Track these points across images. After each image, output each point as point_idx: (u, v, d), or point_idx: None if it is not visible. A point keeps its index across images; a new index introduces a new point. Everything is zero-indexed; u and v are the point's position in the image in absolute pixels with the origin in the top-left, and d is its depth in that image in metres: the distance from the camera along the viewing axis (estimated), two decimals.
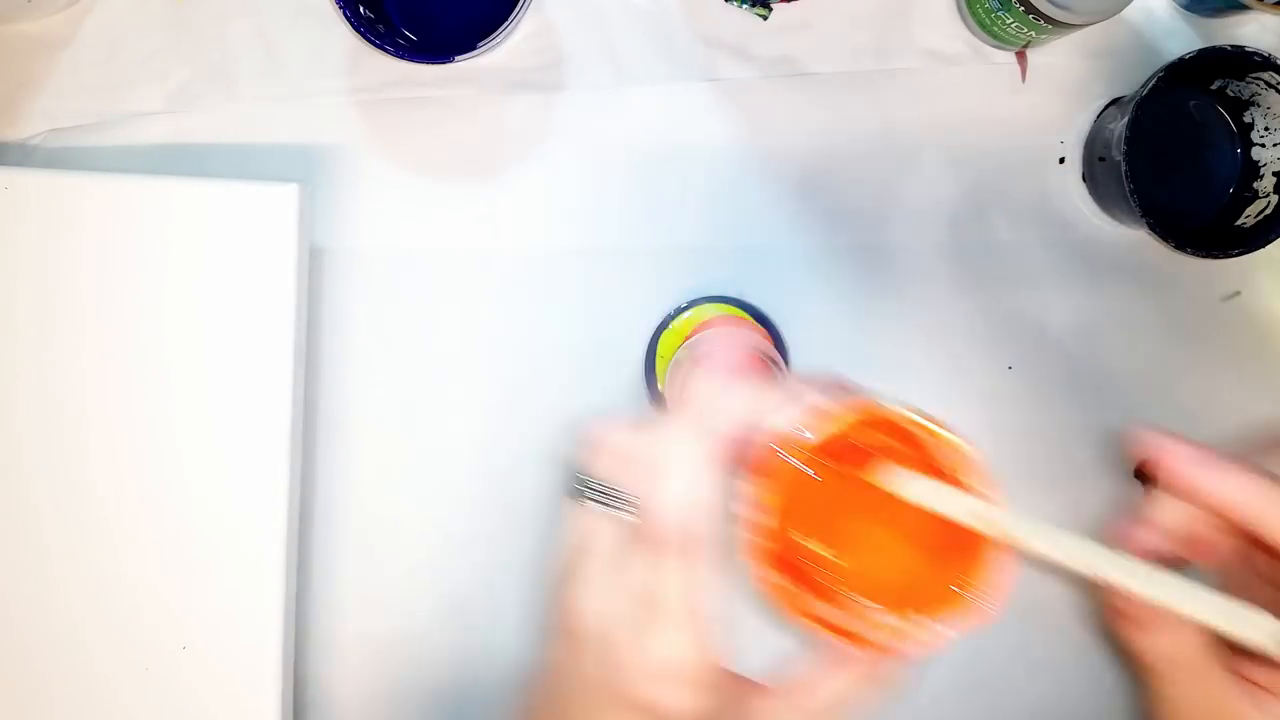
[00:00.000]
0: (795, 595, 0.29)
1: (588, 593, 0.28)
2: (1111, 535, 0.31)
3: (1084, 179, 0.49)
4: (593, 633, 0.28)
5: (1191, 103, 0.47)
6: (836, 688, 0.29)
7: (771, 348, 0.44)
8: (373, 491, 0.50)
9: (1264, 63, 0.43)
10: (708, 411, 0.28)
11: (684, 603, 0.28)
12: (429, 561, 0.50)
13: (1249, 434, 0.43)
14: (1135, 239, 0.49)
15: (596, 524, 0.29)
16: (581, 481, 0.29)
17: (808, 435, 0.28)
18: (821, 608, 0.29)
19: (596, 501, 0.28)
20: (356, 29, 0.45)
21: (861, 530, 0.29)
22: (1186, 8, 0.49)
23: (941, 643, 0.28)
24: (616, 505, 0.28)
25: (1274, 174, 0.45)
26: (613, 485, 0.28)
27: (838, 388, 0.29)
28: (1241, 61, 0.43)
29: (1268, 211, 0.44)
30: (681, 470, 0.27)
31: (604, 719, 0.28)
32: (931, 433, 0.29)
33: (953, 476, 0.29)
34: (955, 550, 0.28)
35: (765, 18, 0.49)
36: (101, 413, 0.47)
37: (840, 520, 0.29)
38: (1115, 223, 0.49)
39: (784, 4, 0.49)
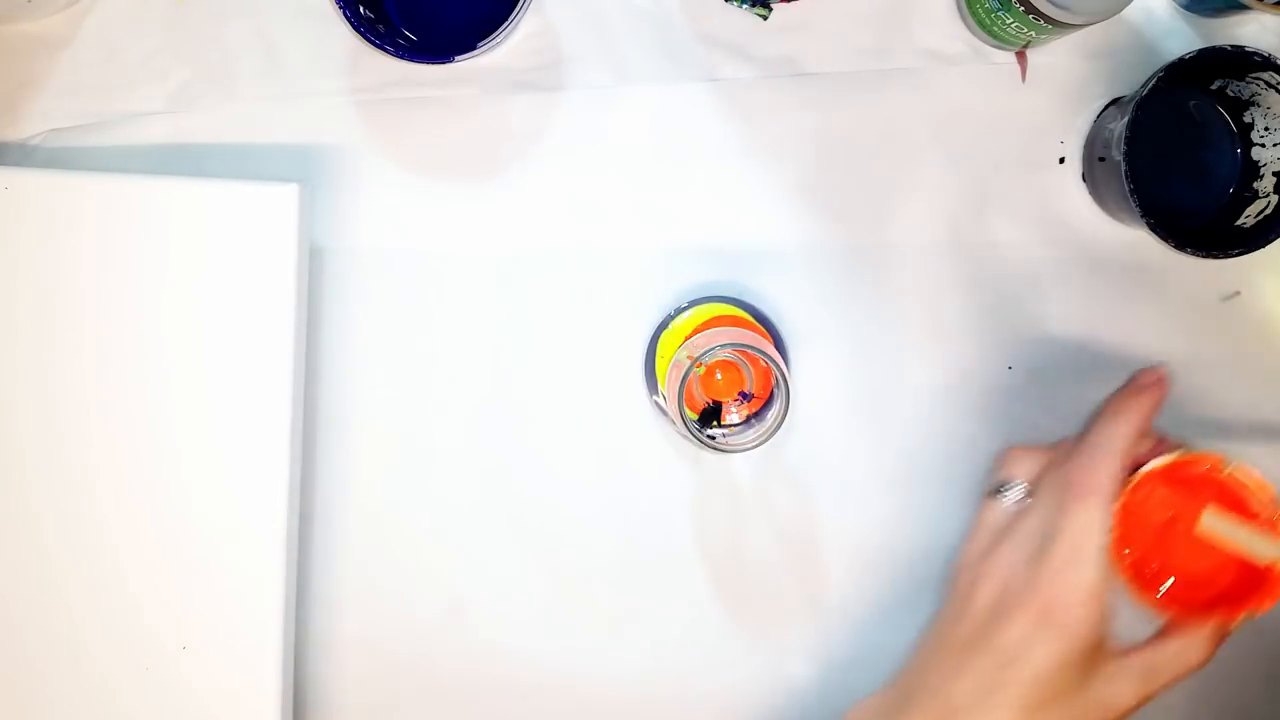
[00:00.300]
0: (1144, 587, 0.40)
1: (1007, 557, 0.40)
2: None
3: (1084, 179, 0.49)
4: (1010, 585, 0.39)
5: (1191, 103, 0.47)
6: (1166, 652, 0.39)
7: (771, 348, 0.44)
8: (373, 491, 0.50)
9: (1264, 63, 0.43)
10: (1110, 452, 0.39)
11: (1095, 544, 0.38)
12: (429, 561, 0.50)
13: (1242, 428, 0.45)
14: (1135, 239, 0.49)
15: (1006, 514, 0.41)
16: (999, 484, 0.42)
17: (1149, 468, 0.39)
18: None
19: (1010, 497, 0.42)
20: (356, 29, 0.45)
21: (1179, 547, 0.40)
22: (1186, 8, 0.49)
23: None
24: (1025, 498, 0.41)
25: (1274, 174, 0.45)
26: (1026, 484, 0.41)
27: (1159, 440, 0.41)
28: (1241, 61, 0.43)
29: (1268, 212, 0.44)
30: (1106, 456, 0.39)
31: (1013, 630, 0.38)
32: (1239, 479, 0.39)
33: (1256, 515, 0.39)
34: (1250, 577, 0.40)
35: (765, 18, 0.49)
36: (101, 413, 0.47)
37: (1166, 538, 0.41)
38: (1115, 222, 0.49)
39: (784, 4, 0.49)
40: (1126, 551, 0.40)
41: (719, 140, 0.50)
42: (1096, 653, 0.38)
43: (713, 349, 0.41)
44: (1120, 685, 0.39)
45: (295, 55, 0.51)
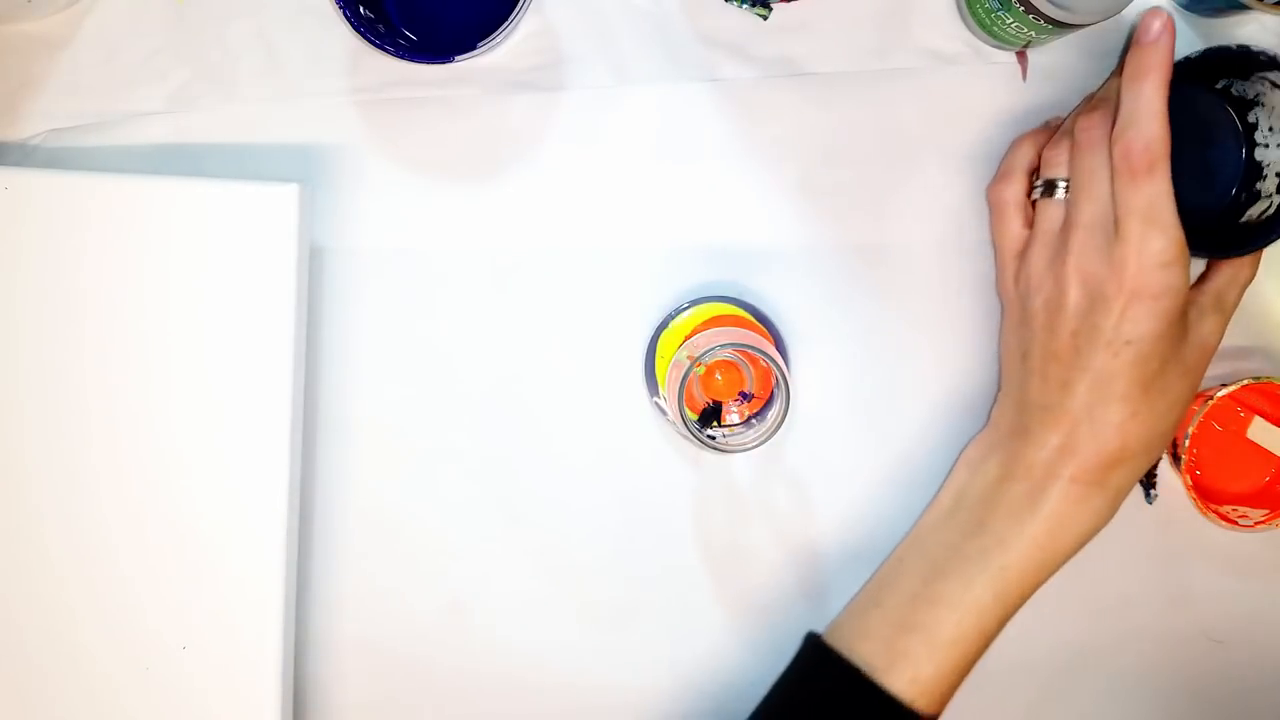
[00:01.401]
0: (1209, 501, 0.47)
1: (1082, 251, 0.41)
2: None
3: None
4: (1095, 277, 0.40)
5: (1197, 102, 0.47)
6: (1223, 277, 0.44)
7: (772, 348, 0.44)
8: (373, 491, 0.50)
9: (1269, 62, 0.43)
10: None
11: (1168, 210, 0.39)
12: (429, 561, 0.50)
13: None
14: None
15: (1061, 212, 0.42)
16: (1050, 181, 0.43)
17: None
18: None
19: (1062, 193, 0.42)
20: (356, 29, 0.45)
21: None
22: (1186, 8, 0.49)
23: None
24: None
25: (1277, 174, 0.45)
26: (1074, 175, 0.42)
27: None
28: (1246, 61, 0.43)
29: (1270, 212, 0.44)
30: (1151, 121, 0.39)
31: (1110, 318, 0.40)
32: None
33: None
34: None
35: (765, 18, 0.49)
36: (101, 413, 0.47)
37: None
38: None
39: (784, 4, 0.49)
40: (1198, 473, 0.48)
41: (719, 140, 0.50)
42: (1184, 306, 0.40)
43: (713, 349, 0.41)
44: (1206, 323, 0.42)
45: (295, 55, 0.51)
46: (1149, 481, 0.49)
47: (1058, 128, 0.45)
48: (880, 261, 0.50)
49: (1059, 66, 0.49)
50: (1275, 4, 0.44)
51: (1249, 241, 0.44)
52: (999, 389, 0.46)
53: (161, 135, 0.51)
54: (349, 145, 0.50)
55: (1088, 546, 0.48)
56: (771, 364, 0.42)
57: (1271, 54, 0.42)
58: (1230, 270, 0.44)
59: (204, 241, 0.47)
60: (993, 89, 0.49)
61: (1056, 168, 0.43)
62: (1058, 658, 0.49)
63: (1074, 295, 0.41)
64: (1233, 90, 0.46)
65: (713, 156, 0.50)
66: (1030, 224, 0.45)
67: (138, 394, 0.47)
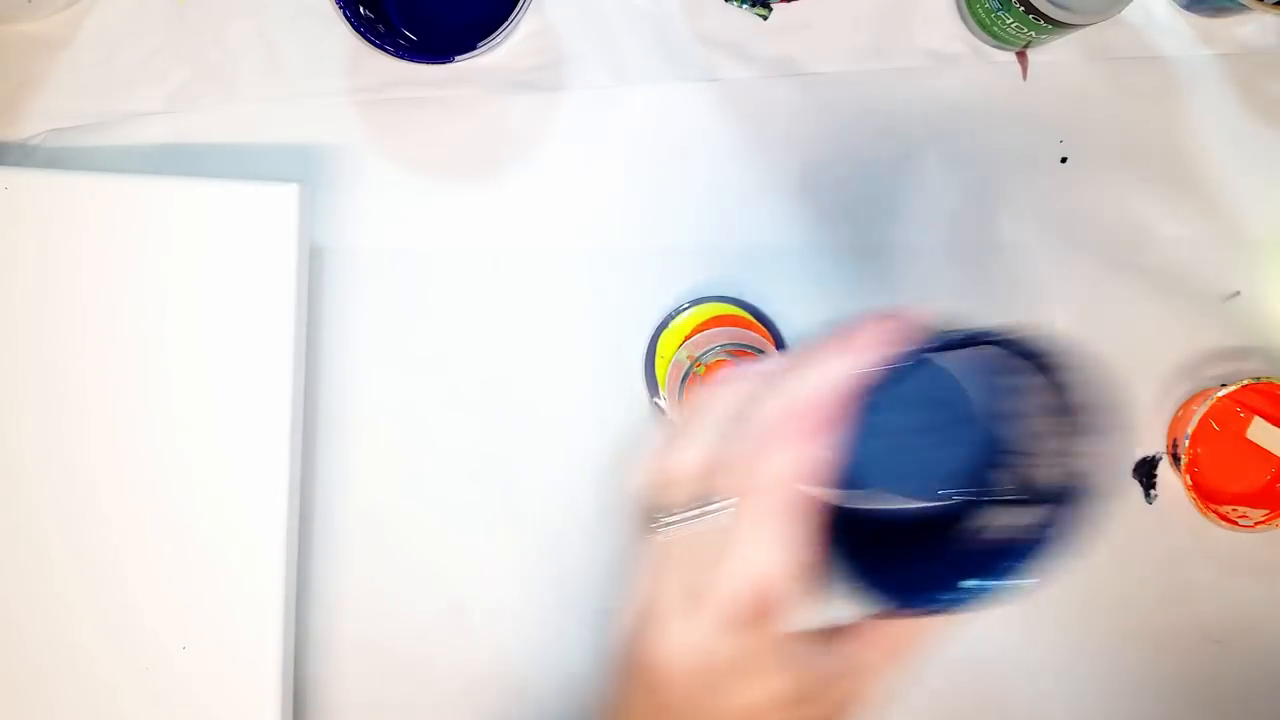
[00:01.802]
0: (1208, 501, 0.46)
1: (681, 631, 0.27)
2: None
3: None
4: (691, 670, 0.27)
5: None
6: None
7: (772, 348, 0.44)
8: (373, 491, 0.50)
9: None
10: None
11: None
12: (429, 561, 0.50)
13: None
14: (1134, 238, 0.49)
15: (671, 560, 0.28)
16: (657, 514, 0.28)
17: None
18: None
19: (679, 523, 0.28)
20: (356, 29, 0.45)
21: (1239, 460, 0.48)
22: (1186, 8, 0.49)
23: None
24: (701, 515, 0.27)
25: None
26: (696, 502, 0.27)
27: None
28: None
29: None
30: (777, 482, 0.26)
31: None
32: None
33: None
34: None
35: (765, 18, 0.49)
36: (102, 413, 0.47)
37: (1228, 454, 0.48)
38: (1115, 222, 0.49)
39: (784, 4, 0.49)
40: (1198, 471, 0.47)
41: (719, 140, 0.50)
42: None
43: (713, 349, 0.41)
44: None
45: (295, 55, 0.51)
46: (1149, 481, 0.49)
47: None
48: (880, 261, 0.49)
49: (1059, 66, 0.49)
50: (1275, 4, 0.44)
51: (963, 578, 0.29)
52: None
53: (161, 135, 0.51)
54: (349, 145, 0.50)
55: (1088, 545, 0.48)
56: None
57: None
58: (914, 623, 0.29)
59: (204, 241, 0.47)
60: (993, 89, 0.49)
61: (678, 486, 0.29)
62: (1058, 658, 0.49)
63: (640, 696, 0.29)
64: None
65: (713, 156, 0.50)
66: None
67: (138, 394, 0.47)
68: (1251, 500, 0.48)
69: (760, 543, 0.26)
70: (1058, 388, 0.29)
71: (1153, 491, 0.49)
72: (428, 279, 0.50)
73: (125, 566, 0.47)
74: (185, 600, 0.47)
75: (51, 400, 0.47)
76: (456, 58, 0.45)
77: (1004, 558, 0.29)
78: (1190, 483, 0.45)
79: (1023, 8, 0.43)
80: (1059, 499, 0.29)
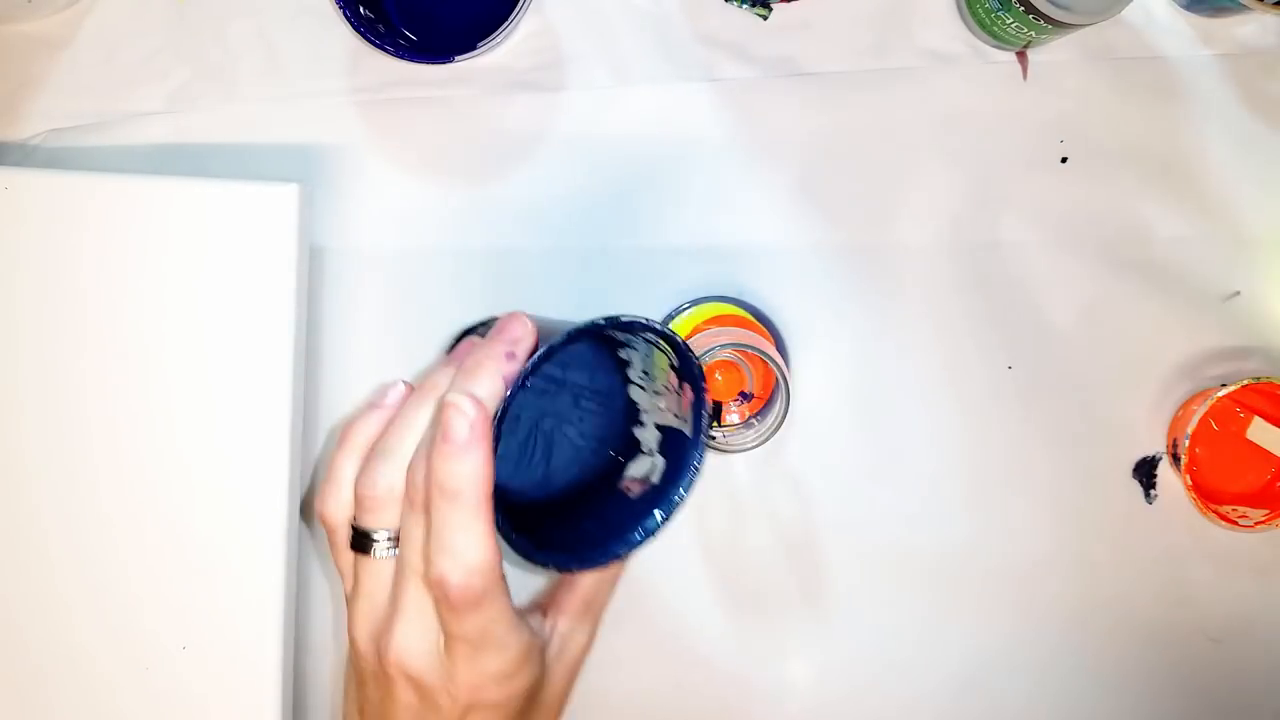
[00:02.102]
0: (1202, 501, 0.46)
1: (406, 648, 0.31)
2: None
3: None
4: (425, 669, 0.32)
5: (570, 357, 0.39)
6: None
7: (772, 348, 0.44)
8: None
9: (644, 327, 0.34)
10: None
11: (503, 627, 0.32)
12: None
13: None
14: (1134, 238, 0.49)
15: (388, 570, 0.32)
16: (363, 534, 0.32)
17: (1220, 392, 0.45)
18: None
19: (387, 547, 0.32)
20: (356, 29, 0.45)
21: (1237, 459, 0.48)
22: (1186, 8, 0.49)
23: None
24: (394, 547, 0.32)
25: (656, 425, 0.38)
26: (381, 529, 0.32)
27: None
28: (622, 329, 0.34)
29: (654, 478, 0.37)
30: (473, 549, 0.30)
31: None
32: None
33: None
34: None
35: (765, 18, 0.49)
36: (102, 413, 0.47)
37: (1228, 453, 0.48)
38: (1115, 221, 0.49)
39: (784, 4, 0.49)
40: (1197, 470, 0.47)
41: (719, 140, 0.50)
42: (538, 660, 0.34)
43: (713, 349, 0.41)
44: (577, 638, 0.36)
45: (295, 55, 0.51)
46: (1149, 481, 0.49)
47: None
48: (880, 261, 0.49)
49: (1059, 66, 0.49)
50: (1275, 4, 0.44)
51: (627, 529, 0.35)
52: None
53: (161, 135, 0.51)
54: (349, 145, 0.50)
55: (1088, 546, 0.49)
56: (771, 364, 0.42)
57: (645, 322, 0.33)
58: (599, 573, 0.36)
59: (204, 241, 0.47)
60: (993, 89, 0.49)
61: (374, 512, 0.32)
62: (1057, 657, 0.49)
63: (403, 694, 0.32)
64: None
65: (713, 156, 0.50)
66: None
67: (138, 394, 0.47)
68: (1251, 500, 0.48)
69: (471, 537, 0.29)
70: (666, 353, 0.35)
71: (1153, 491, 0.49)
72: (428, 279, 0.50)
73: (125, 567, 0.47)
74: (185, 600, 0.47)
75: (51, 400, 0.47)
76: (456, 58, 0.45)
77: (645, 502, 0.35)
78: (1190, 483, 0.46)
79: (1023, 8, 0.43)
80: (670, 446, 0.36)
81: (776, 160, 0.50)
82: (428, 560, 0.30)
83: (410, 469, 0.31)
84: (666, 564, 0.50)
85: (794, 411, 0.44)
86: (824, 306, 0.50)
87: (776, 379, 0.42)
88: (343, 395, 0.50)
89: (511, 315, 0.33)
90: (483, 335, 0.35)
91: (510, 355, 0.31)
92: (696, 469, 0.35)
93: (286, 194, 0.47)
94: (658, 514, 0.35)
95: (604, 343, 0.38)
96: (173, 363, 0.47)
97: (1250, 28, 0.49)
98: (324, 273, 0.50)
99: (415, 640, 0.31)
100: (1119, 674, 0.49)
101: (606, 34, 0.50)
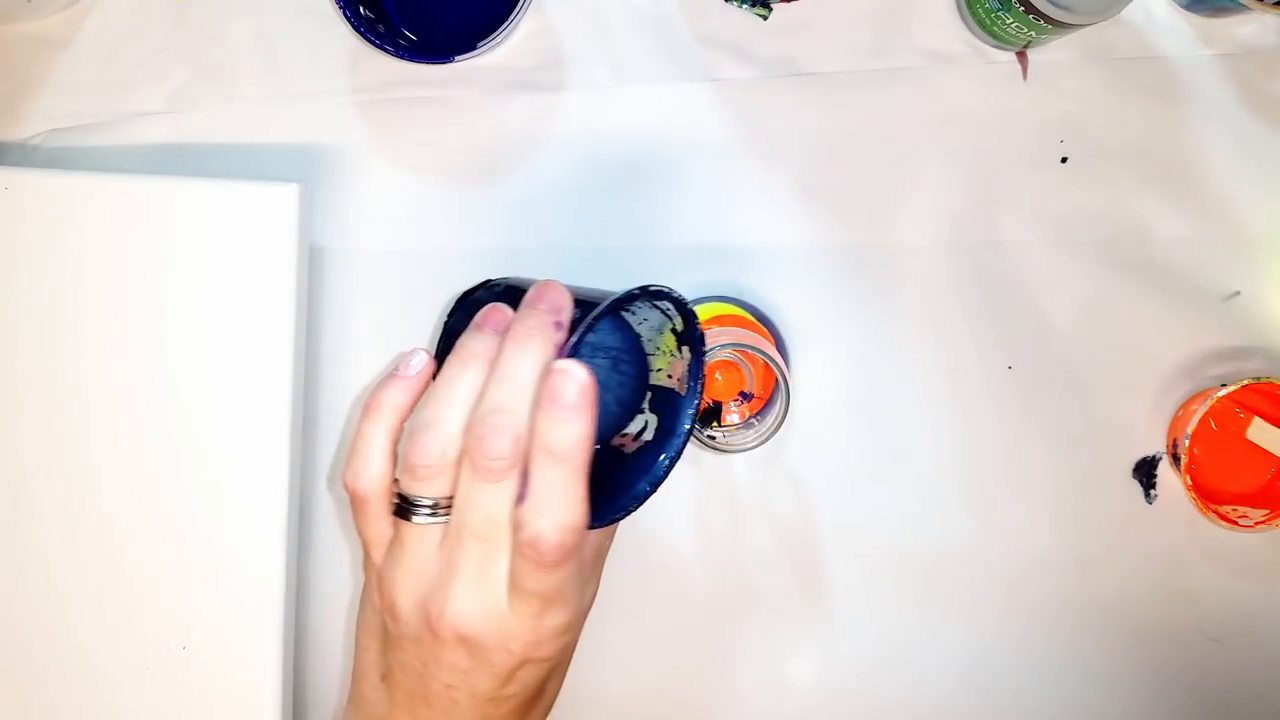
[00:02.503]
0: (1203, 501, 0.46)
1: (465, 609, 0.32)
2: None
3: None
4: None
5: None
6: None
7: (772, 348, 0.44)
8: None
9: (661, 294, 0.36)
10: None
11: (572, 585, 0.33)
12: None
13: None
14: (1134, 238, 0.49)
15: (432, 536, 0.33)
16: (411, 501, 0.33)
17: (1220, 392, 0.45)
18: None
19: (429, 514, 0.32)
20: (356, 29, 0.45)
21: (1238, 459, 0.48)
22: (1186, 8, 0.49)
23: None
24: (438, 513, 0.32)
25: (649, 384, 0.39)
26: (431, 497, 0.32)
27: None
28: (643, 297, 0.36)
29: (646, 435, 0.38)
30: (571, 509, 0.31)
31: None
32: None
33: None
34: None
35: (765, 18, 0.49)
36: (102, 413, 0.47)
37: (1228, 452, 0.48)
38: (1116, 220, 0.49)
39: (784, 4, 0.49)
40: (1197, 469, 0.47)
41: (719, 140, 0.50)
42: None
43: (713, 349, 0.41)
44: (590, 588, 0.37)
45: (295, 55, 0.51)
46: (1149, 481, 0.49)
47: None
48: (880, 261, 0.49)
49: (1059, 66, 0.49)
50: (1275, 4, 0.44)
51: (634, 483, 0.37)
52: (352, 683, 0.38)
53: (161, 135, 0.51)
54: (349, 145, 0.50)
55: (1088, 546, 0.49)
56: (771, 364, 0.42)
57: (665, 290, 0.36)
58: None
59: (204, 241, 0.47)
60: (993, 89, 0.49)
61: (426, 480, 0.32)
62: (1057, 657, 0.49)
63: (451, 654, 0.33)
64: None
65: (713, 156, 0.50)
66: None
67: (138, 394, 0.47)
68: (1251, 500, 0.48)
69: (571, 497, 0.30)
70: (673, 320, 0.37)
71: (1153, 491, 0.49)
72: (428, 279, 0.50)
73: (125, 566, 0.47)
74: (185, 600, 0.47)
75: (52, 400, 0.47)
76: (456, 58, 0.45)
77: (643, 456, 0.37)
78: (1190, 483, 0.46)
79: (1023, 8, 0.43)
80: (660, 403, 0.38)
81: (776, 160, 0.50)
82: (520, 519, 0.30)
83: (476, 436, 0.31)
84: (667, 563, 0.50)
85: (794, 411, 0.44)
86: (824, 306, 0.50)
87: (776, 379, 0.42)
88: (343, 395, 0.50)
89: (548, 284, 0.34)
90: (484, 298, 0.36)
91: (558, 324, 0.32)
92: (693, 417, 0.37)
93: (286, 194, 0.47)
94: (664, 459, 0.37)
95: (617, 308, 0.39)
96: (173, 363, 0.47)
97: (1250, 28, 0.49)
98: (324, 273, 0.50)
99: (472, 601, 0.32)
100: (1118, 673, 0.49)
101: (606, 34, 0.50)
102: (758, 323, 0.48)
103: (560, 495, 0.30)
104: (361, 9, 0.46)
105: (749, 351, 0.42)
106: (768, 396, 0.46)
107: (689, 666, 0.50)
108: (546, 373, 0.31)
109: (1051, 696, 0.49)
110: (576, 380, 0.30)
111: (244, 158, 0.50)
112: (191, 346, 0.47)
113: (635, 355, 0.40)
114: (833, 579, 0.49)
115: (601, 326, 0.40)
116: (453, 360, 0.33)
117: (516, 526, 0.31)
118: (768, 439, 0.43)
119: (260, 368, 0.47)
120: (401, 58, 0.45)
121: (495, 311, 0.34)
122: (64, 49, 0.51)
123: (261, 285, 0.47)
